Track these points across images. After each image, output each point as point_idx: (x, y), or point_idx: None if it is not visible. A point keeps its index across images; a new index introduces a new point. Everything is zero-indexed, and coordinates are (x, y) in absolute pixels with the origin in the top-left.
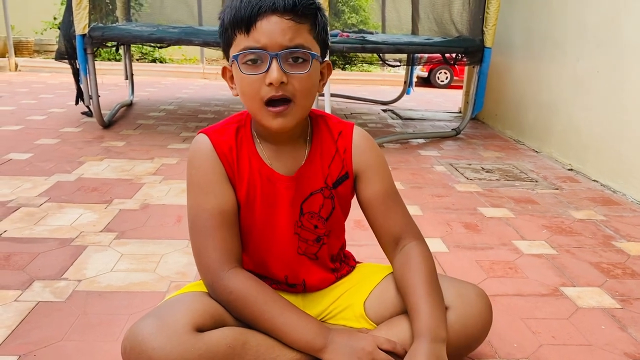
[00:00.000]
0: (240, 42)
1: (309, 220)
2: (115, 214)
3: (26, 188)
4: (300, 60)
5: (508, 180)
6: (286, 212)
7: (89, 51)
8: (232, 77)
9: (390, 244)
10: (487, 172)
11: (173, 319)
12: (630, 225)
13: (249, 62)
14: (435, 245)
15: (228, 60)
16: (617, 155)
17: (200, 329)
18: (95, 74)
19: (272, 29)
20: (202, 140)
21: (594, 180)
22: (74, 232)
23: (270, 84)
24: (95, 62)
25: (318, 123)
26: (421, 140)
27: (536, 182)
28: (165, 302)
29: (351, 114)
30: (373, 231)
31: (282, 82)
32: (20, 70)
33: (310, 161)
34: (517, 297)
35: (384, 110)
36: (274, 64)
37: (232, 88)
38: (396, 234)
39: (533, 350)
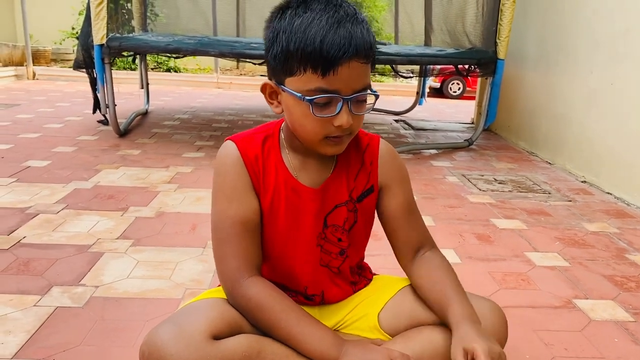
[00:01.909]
0: (311, 81)
1: (332, 234)
2: (131, 221)
3: (44, 195)
4: (362, 101)
5: (521, 191)
6: (310, 224)
7: (106, 61)
8: (272, 94)
9: (408, 254)
10: (499, 183)
11: (191, 326)
12: None
13: (320, 104)
14: (448, 256)
15: (273, 78)
16: (630, 167)
17: (217, 337)
18: (112, 83)
19: (350, 75)
20: (230, 147)
21: (608, 193)
22: (91, 238)
23: (340, 125)
24: (112, 71)
25: None
26: (433, 151)
27: (549, 194)
28: (183, 308)
29: (364, 124)
30: (391, 242)
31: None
32: (37, 79)
33: (336, 174)
34: (529, 309)
35: (397, 121)
36: (345, 108)
37: (271, 104)
38: (416, 245)
39: None
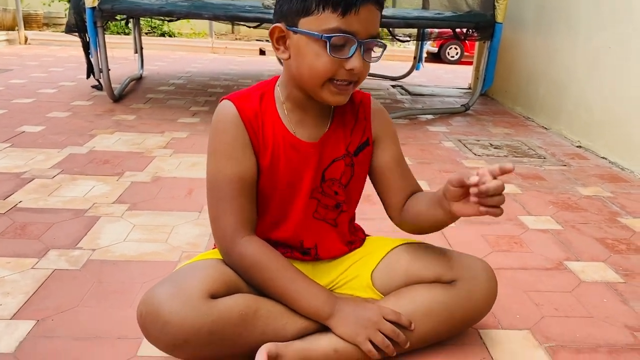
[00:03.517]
0: (329, 20)
1: (330, 187)
2: (127, 186)
3: (39, 160)
4: (374, 47)
5: (516, 156)
6: (308, 179)
7: (99, 24)
8: (279, 39)
9: (401, 202)
10: (495, 148)
11: (188, 285)
12: (636, 202)
13: (335, 45)
14: None
15: (285, 21)
16: (627, 132)
17: (214, 296)
18: (105, 47)
19: (367, 18)
20: (227, 106)
21: (603, 158)
22: (87, 203)
23: (351, 69)
24: (105, 35)
25: None
26: (430, 116)
27: (544, 158)
28: (180, 269)
29: (360, 88)
30: (384, 197)
31: None
32: (29, 44)
33: (333, 129)
34: (521, 270)
35: (393, 86)
36: (358, 52)
37: (277, 49)
38: (409, 193)
39: (535, 321)
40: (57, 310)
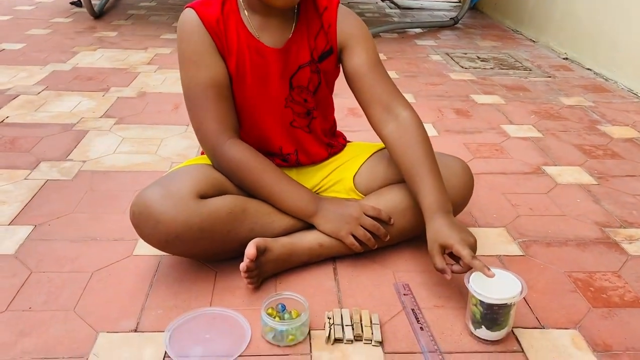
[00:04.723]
0: None
1: (298, 95)
2: (114, 101)
3: (23, 77)
4: None
5: (502, 69)
6: (277, 85)
7: None
8: None
9: (380, 113)
10: (482, 61)
11: (178, 186)
12: (617, 111)
13: None
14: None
15: None
16: (611, 43)
17: (203, 196)
18: None
19: None
20: (189, 14)
21: (588, 69)
22: (75, 117)
23: None
24: None
25: None
26: (418, 30)
27: (530, 70)
28: (169, 172)
29: (348, 3)
30: (361, 105)
31: None
32: None
33: (297, 34)
34: (500, 175)
35: (382, 0)
36: None
37: None
38: (386, 102)
39: (511, 220)
40: (53, 216)
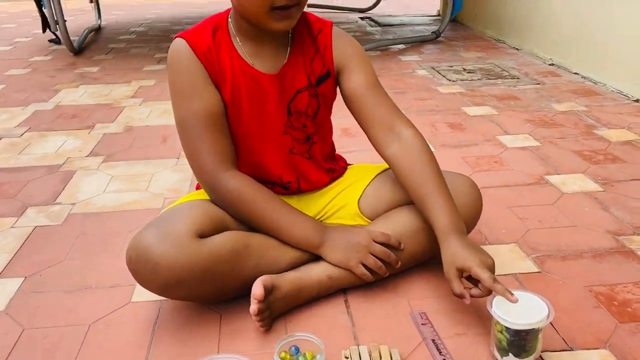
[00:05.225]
0: None
1: (297, 120)
2: (100, 138)
3: (4, 119)
4: None
5: (490, 79)
6: (274, 112)
7: None
8: None
9: (382, 134)
10: (469, 72)
11: (174, 226)
12: (610, 114)
13: None
14: None
15: None
16: (597, 46)
17: (202, 235)
18: None
19: None
20: (180, 44)
21: (575, 73)
22: (61, 158)
23: None
24: None
25: (298, 21)
26: (401, 46)
27: (518, 78)
28: (164, 212)
29: None
30: (362, 126)
31: None
32: None
33: (292, 59)
34: (503, 187)
35: (362, 18)
36: None
37: None
38: (388, 122)
39: (521, 234)
40: (44, 266)
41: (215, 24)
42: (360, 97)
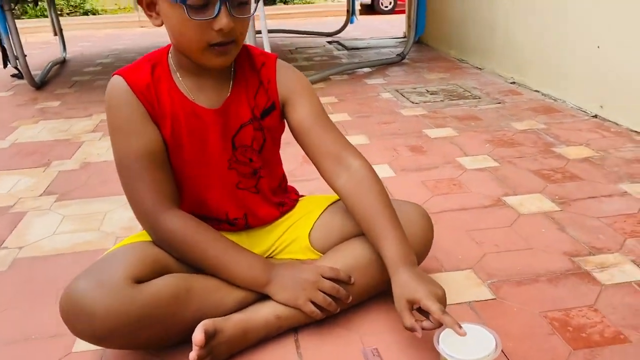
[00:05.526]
0: None
1: (243, 154)
2: (55, 176)
3: None
4: (244, 3)
5: (452, 100)
6: (218, 147)
7: (6, 8)
8: (150, 5)
9: (331, 165)
10: (431, 94)
11: (109, 273)
12: (569, 131)
13: (196, 7)
14: (382, 170)
15: None
16: (556, 63)
17: (140, 280)
18: (17, 32)
19: None
20: (117, 82)
21: (536, 91)
22: (12, 199)
23: (220, 29)
24: (23, 19)
25: (240, 55)
26: (367, 69)
27: (479, 98)
28: (102, 257)
29: (296, 48)
30: (311, 159)
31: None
32: None
33: (235, 93)
34: (461, 211)
35: (329, 42)
36: (224, 10)
37: (150, 16)
38: (336, 153)
39: (477, 259)
40: None
41: (154, 60)
42: (307, 129)
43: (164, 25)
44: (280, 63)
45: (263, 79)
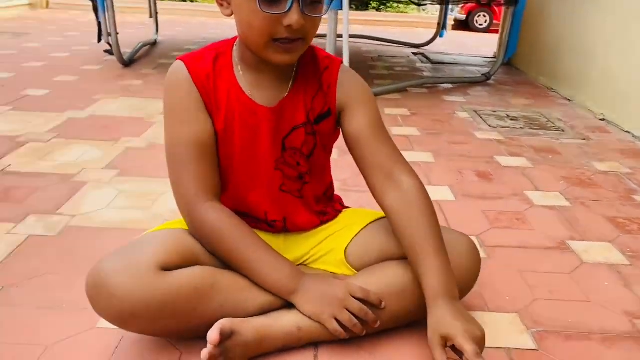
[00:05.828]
0: None
1: (291, 157)
2: (121, 151)
3: (38, 124)
4: (317, 2)
5: (533, 128)
6: (267, 146)
7: None
8: None
9: (381, 180)
10: (511, 119)
11: (137, 257)
12: None
13: (269, 0)
14: (442, 193)
15: None
16: None
17: (167, 268)
18: (113, 9)
19: None
20: (179, 67)
21: (626, 132)
22: (77, 168)
23: (289, 25)
24: None
25: (305, 55)
26: (448, 85)
27: (563, 131)
28: (136, 239)
29: (379, 56)
30: (362, 172)
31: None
32: (51, 8)
33: (293, 94)
34: (519, 249)
35: (415, 54)
36: (296, 6)
37: (221, 5)
38: (387, 168)
39: (525, 304)
40: (25, 277)
41: (219, 50)
42: (361, 139)
43: (233, 15)
44: (343, 68)
45: (323, 83)
